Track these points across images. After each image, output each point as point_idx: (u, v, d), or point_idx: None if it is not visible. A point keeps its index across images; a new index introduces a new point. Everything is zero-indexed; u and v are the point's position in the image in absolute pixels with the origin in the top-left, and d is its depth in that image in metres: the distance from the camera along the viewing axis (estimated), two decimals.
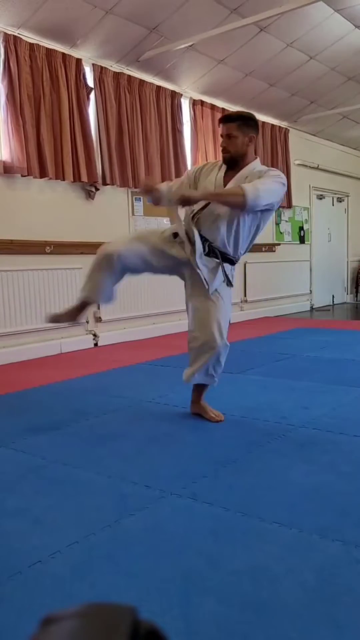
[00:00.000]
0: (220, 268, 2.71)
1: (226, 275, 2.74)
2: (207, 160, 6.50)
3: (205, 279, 2.67)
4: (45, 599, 1.33)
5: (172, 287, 6.18)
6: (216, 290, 2.72)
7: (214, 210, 2.65)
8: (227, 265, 2.74)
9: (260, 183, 2.58)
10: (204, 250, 2.65)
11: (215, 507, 1.80)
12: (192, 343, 2.83)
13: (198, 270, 2.65)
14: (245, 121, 2.73)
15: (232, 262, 2.76)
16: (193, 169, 2.93)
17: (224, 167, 2.76)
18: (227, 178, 2.72)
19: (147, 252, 2.73)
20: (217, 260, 2.69)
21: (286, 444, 2.41)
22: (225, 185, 2.70)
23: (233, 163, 2.72)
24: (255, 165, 2.76)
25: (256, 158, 2.80)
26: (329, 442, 2.42)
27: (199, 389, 2.90)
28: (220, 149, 2.76)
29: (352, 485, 1.96)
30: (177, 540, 1.60)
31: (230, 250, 2.72)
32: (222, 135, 2.72)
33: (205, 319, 2.74)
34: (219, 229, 2.66)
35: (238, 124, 2.69)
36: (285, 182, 2.74)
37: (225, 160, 2.74)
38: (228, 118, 2.72)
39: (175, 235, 2.72)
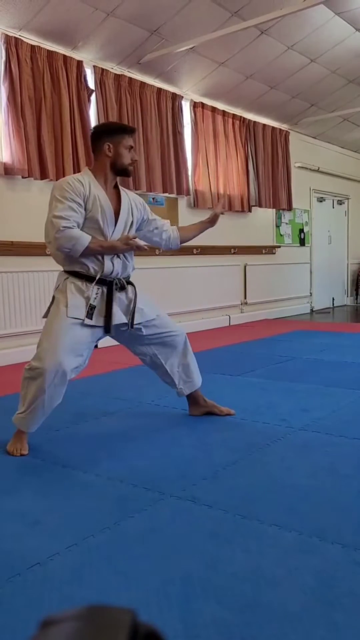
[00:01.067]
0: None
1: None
2: (207, 162, 6.50)
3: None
4: (44, 601, 1.33)
5: (170, 290, 6.19)
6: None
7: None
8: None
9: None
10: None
11: (215, 510, 1.79)
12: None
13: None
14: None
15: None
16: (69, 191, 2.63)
17: (95, 181, 2.57)
18: (111, 195, 2.60)
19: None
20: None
21: (286, 447, 2.41)
22: (114, 206, 2.59)
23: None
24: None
25: None
26: (329, 445, 2.42)
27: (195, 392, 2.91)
28: (133, 162, 2.57)
29: (351, 487, 1.96)
30: (176, 542, 1.60)
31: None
32: (132, 147, 2.54)
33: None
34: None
35: None
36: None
37: (130, 172, 2.64)
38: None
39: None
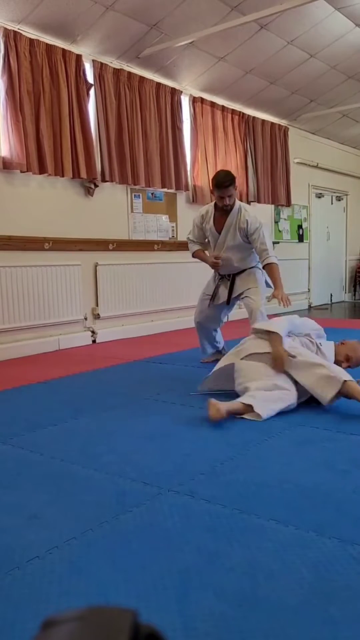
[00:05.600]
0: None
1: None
2: (206, 157, 6.50)
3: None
4: (43, 595, 1.34)
5: (171, 285, 6.19)
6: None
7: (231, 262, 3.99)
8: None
9: (266, 248, 3.77)
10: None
11: (213, 504, 1.80)
12: None
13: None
14: (234, 179, 3.73)
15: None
16: (199, 219, 4.00)
17: (212, 212, 3.90)
18: (217, 223, 3.90)
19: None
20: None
21: (283, 442, 2.42)
22: (218, 230, 3.89)
23: (227, 210, 3.81)
24: (238, 209, 3.82)
25: (235, 201, 3.84)
26: (326, 440, 2.43)
27: None
28: (224, 206, 3.79)
29: (348, 483, 1.97)
30: (174, 536, 1.60)
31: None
32: (222, 197, 3.72)
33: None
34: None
35: (233, 186, 3.72)
36: (261, 222, 3.85)
37: (226, 211, 3.81)
38: (224, 184, 3.67)
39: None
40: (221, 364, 3.15)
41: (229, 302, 4.04)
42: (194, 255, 4.08)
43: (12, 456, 2.32)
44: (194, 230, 4.02)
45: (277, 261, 3.76)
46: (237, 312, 6.02)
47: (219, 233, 3.86)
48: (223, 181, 3.66)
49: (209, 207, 3.94)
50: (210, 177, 6.55)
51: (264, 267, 3.83)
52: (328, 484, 1.96)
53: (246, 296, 3.93)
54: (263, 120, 7.39)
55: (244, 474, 2.06)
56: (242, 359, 2.99)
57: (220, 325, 4.24)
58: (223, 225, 3.84)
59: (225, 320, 4.25)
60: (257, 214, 3.86)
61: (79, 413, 2.91)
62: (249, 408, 2.68)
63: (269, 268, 3.77)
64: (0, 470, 2.17)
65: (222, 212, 3.82)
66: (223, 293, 4.02)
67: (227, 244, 3.86)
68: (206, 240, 4.00)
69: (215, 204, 3.85)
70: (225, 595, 1.32)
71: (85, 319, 5.36)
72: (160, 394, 3.27)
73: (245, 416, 2.69)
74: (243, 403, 2.71)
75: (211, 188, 3.99)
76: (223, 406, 2.62)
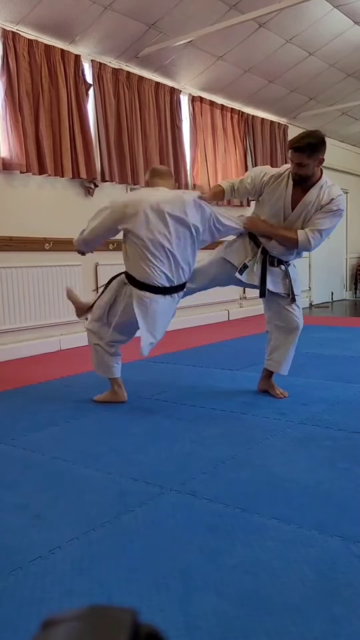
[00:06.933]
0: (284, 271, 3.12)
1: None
2: (205, 156, 6.49)
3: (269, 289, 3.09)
4: (46, 594, 1.34)
5: None
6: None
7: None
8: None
9: (317, 228, 2.88)
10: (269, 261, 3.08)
11: (215, 503, 1.80)
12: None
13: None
14: (314, 149, 2.78)
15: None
16: (259, 174, 3.00)
17: (290, 183, 2.90)
18: (294, 197, 2.91)
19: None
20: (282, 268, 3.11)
21: (285, 441, 2.42)
22: (293, 207, 2.92)
23: (301, 181, 2.86)
24: (322, 185, 2.90)
25: (322, 175, 2.92)
26: (328, 439, 2.43)
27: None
28: (292, 173, 2.86)
29: (350, 481, 1.97)
30: (176, 536, 1.61)
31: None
32: (292, 160, 2.82)
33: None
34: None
35: (308, 154, 2.77)
36: (344, 209, 2.97)
37: (295, 181, 2.87)
38: (299, 148, 2.76)
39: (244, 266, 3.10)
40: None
41: (264, 293, 3.06)
42: (215, 192, 3.06)
43: (14, 456, 2.32)
44: (243, 182, 3.03)
45: (303, 243, 2.91)
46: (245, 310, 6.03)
47: (292, 210, 2.93)
48: (295, 141, 2.79)
49: (288, 171, 2.92)
50: (210, 176, 6.57)
51: (295, 231, 2.95)
52: (330, 482, 1.96)
53: (285, 307, 3.08)
54: (262, 119, 7.39)
55: (246, 472, 2.06)
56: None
57: (202, 287, 3.29)
58: (298, 201, 2.90)
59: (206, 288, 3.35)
60: (344, 202, 2.97)
61: (80, 413, 2.91)
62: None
63: (295, 236, 2.91)
64: (2, 470, 2.17)
65: (302, 185, 2.88)
66: (254, 274, 3.07)
67: (297, 227, 2.94)
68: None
69: None
70: (228, 594, 1.32)
71: (87, 319, 5.36)
72: (161, 394, 3.27)
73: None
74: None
75: None
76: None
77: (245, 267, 3.06)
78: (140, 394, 3.29)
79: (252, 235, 3.07)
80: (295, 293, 3.08)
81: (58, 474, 2.11)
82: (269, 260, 3.04)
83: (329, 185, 2.92)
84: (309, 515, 1.71)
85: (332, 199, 2.88)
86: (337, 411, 2.84)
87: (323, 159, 2.83)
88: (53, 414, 2.90)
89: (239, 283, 3.18)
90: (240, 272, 3.06)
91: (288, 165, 2.93)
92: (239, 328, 6.13)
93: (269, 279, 3.04)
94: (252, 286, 3.13)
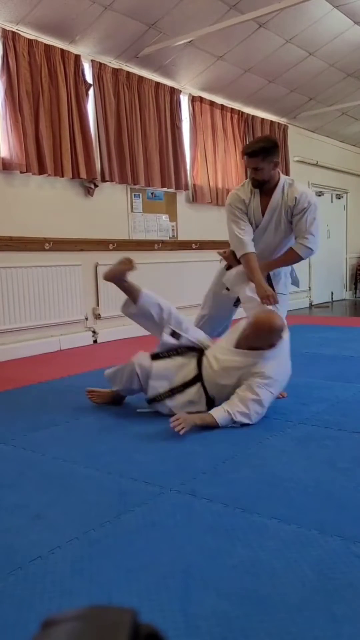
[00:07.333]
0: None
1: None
2: (205, 156, 6.49)
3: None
4: (46, 594, 1.34)
5: (171, 285, 6.19)
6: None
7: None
8: None
9: (304, 231, 2.97)
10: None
11: (215, 503, 1.80)
12: None
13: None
14: (267, 152, 2.91)
15: None
16: (235, 199, 3.10)
17: (256, 191, 3.05)
18: (262, 203, 3.05)
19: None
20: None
21: (285, 440, 2.42)
22: (263, 211, 3.05)
23: (262, 185, 3.01)
24: (283, 185, 3.02)
25: (280, 177, 3.04)
26: (328, 438, 2.43)
27: None
28: (251, 179, 3.03)
29: (350, 481, 1.96)
30: (176, 535, 1.60)
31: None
32: (248, 166, 2.98)
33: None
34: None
35: (262, 157, 2.90)
36: (314, 201, 3.04)
37: (255, 186, 3.03)
38: (253, 153, 2.91)
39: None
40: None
41: (236, 303, 3.32)
42: (244, 259, 3.02)
43: (14, 456, 2.32)
44: (238, 219, 3.06)
45: (305, 253, 3.00)
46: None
47: (262, 215, 3.05)
48: (248, 147, 2.95)
49: (249, 184, 3.08)
50: (210, 176, 6.57)
51: (291, 248, 3.05)
52: (330, 482, 1.96)
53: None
54: (262, 119, 7.39)
55: (246, 472, 2.06)
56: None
57: (227, 325, 3.44)
58: (267, 206, 3.03)
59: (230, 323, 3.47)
60: (311, 195, 3.07)
61: (80, 413, 2.91)
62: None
63: (290, 252, 3.03)
64: (2, 470, 2.17)
65: (265, 190, 3.01)
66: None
67: (270, 231, 3.06)
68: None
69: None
70: (228, 594, 1.32)
71: (86, 319, 5.36)
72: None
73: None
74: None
75: None
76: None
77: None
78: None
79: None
80: (278, 291, 3.11)
81: (58, 473, 2.11)
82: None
83: (289, 184, 3.03)
84: (309, 515, 1.70)
85: (297, 199, 2.97)
86: (337, 411, 2.84)
87: (278, 162, 2.99)
88: (53, 414, 2.90)
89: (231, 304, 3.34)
90: (228, 290, 3.21)
91: (246, 181, 3.12)
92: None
93: (248, 287, 3.10)
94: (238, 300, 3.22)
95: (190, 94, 6.30)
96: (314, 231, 2.97)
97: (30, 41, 4.62)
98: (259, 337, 2.64)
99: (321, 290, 9.10)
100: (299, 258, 3.03)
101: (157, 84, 5.84)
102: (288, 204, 2.98)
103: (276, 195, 3.00)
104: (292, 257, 3.05)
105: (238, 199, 3.07)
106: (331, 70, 6.67)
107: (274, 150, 2.93)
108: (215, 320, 3.40)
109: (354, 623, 1.21)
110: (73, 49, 4.98)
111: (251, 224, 3.08)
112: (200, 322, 3.42)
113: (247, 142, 7.13)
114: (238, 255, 3.07)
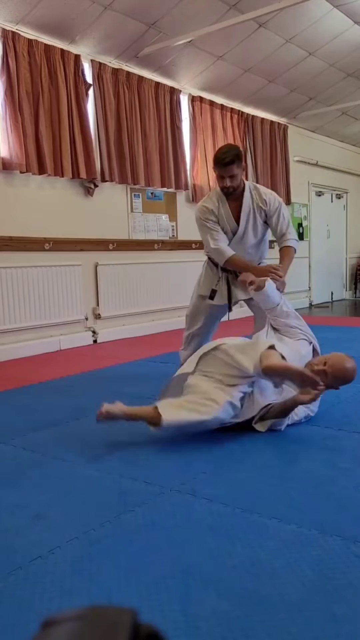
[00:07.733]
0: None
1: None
2: (205, 156, 6.49)
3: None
4: (46, 594, 1.34)
5: (171, 285, 6.19)
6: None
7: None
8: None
9: (285, 228, 3.16)
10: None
11: (215, 503, 1.80)
12: None
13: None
14: (239, 158, 3.04)
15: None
16: (204, 211, 3.19)
17: (222, 200, 3.16)
18: (234, 211, 3.17)
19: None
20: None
21: (285, 440, 2.42)
22: (236, 217, 3.16)
23: (234, 192, 3.12)
24: (249, 188, 3.16)
25: (244, 182, 3.18)
26: (328, 438, 2.43)
27: None
28: (223, 188, 3.10)
29: (350, 481, 1.96)
30: (176, 535, 1.61)
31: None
32: (222, 177, 3.05)
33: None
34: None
35: (237, 164, 3.03)
36: (280, 198, 3.26)
37: (227, 194, 3.12)
38: (229, 162, 3.00)
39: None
40: (181, 370, 2.70)
41: (231, 308, 3.40)
42: (230, 263, 3.16)
43: (14, 456, 2.32)
44: (211, 230, 3.16)
45: (297, 247, 3.23)
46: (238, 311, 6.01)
47: (237, 223, 3.16)
48: (223, 157, 2.99)
49: (215, 194, 3.18)
50: (210, 176, 6.57)
51: (280, 249, 3.21)
52: (330, 482, 1.96)
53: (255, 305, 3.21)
54: (262, 119, 7.39)
55: (246, 472, 2.06)
56: (196, 372, 2.51)
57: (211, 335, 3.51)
58: (239, 212, 3.15)
59: (216, 328, 3.56)
60: (275, 194, 3.25)
61: (80, 413, 2.91)
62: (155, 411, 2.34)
63: (287, 250, 3.16)
64: (2, 470, 2.17)
65: (233, 196, 3.13)
66: (224, 291, 3.33)
67: (248, 235, 3.18)
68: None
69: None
70: (228, 593, 1.32)
71: (86, 319, 5.36)
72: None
73: (149, 425, 2.37)
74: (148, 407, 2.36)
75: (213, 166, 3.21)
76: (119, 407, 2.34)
77: (214, 292, 3.33)
78: (140, 394, 3.29)
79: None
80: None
81: (58, 474, 2.11)
82: (231, 276, 3.28)
83: (252, 187, 3.19)
84: (309, 515, 1.70)
85: (267, 200, 3.14)
86: (337, 411, 2.84)
87: (246, 166, 3.05)
88: (53, 414, 2.90)
89: (223, 310, 3.42)
90: (212, 298, 3.33)
91: (212, 193, 3.22)
92: (239, 328, 6.12)
93: (237, 290, 3.26)
94: (229, 306, 3.38)
95: (190, 94, 6.30)
96: (291, 225, 3.22)
97: (30, 41, 4.62)
98: (337, 379, 2.51)
99: (321, 290, 9.11)
100: (294, 252, 3.21)
101: (157, 83, 5.84)
102: (260, 205, 3.14)
103: (246, 200, 3.14)
104: (292, 254, 3.19)
105: (207, 211, 3.17)
106: (331, 70, 6.67)
107: (242, 155, 3.08)
108: (203, 337, 3.49)
109: (354, 623, 1.21)
110: (73, 49, 4.98)
111: (226, 233, 3.19)
112: (191, 342, 3.51)
113: (249, 144, 7.14)
114: (222, 263, 3.18)
